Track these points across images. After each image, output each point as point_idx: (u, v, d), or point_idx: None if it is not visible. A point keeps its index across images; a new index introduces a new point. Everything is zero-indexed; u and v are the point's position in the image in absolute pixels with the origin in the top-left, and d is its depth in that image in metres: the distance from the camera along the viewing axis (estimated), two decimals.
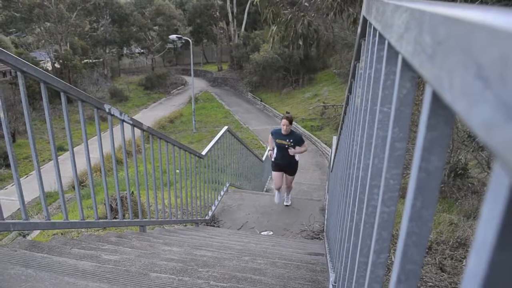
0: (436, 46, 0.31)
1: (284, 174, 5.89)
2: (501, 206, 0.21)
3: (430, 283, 2.83)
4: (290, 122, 5.33)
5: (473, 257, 0.24)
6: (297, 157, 5.64)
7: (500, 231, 0.21)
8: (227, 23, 35.03)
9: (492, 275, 0.22)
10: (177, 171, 4.01)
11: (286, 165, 5.69)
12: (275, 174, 5.91)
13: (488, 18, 0.22)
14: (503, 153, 0.20)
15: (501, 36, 0.20)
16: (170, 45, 37.13)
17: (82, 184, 10.75)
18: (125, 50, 35.95)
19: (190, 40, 22.94)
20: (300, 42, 6.81)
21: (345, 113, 1.94)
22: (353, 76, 1.47)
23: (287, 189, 6.13)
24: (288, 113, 5.74)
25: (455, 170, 6.93)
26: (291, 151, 5.42)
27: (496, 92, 0.21)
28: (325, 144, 16.48)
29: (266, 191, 8.45)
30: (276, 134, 5.51)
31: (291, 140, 5.40)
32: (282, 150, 5.50)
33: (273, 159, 5.76)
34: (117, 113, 2.76)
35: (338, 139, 2.66)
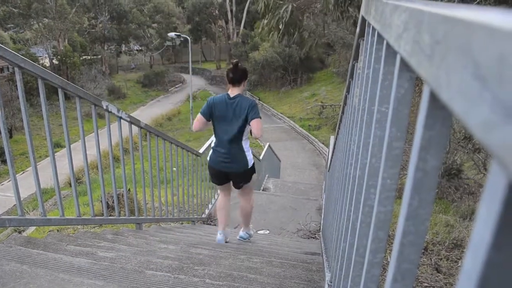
0: (435, 45, 0.31)
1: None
2: (498, 205, 0.21)
3: (426, 284, 2.83)
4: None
5: (469, 257, 0.24)
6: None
7: (497, 230, 0.21)
8: (226, 22, 34.99)
9: (488, 275, 0.22)
10: (174, 169, 4.01)
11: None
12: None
13: (486, 18, 0.22)
14: (500, 153, 0.20)
15: (500, 35, 0.20)
16: (168, 43, 37.09)
17: (78, 181, 10.72)
18: (123, 47, 35.85)
19: (188, 38, 22.90)
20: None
21: (343, 112, 1.94)
22: (352, 76, 1.47)
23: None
24: (235, 59, 3.37)
25: (450, 170, 6.95)
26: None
27: (493, 92, 0.21)
28: (323, 143, 16.50)
29: (263, 190, 8.44)
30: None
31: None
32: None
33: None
34: (114, 110, 2.75)
35: (336, 139, 2.66)
